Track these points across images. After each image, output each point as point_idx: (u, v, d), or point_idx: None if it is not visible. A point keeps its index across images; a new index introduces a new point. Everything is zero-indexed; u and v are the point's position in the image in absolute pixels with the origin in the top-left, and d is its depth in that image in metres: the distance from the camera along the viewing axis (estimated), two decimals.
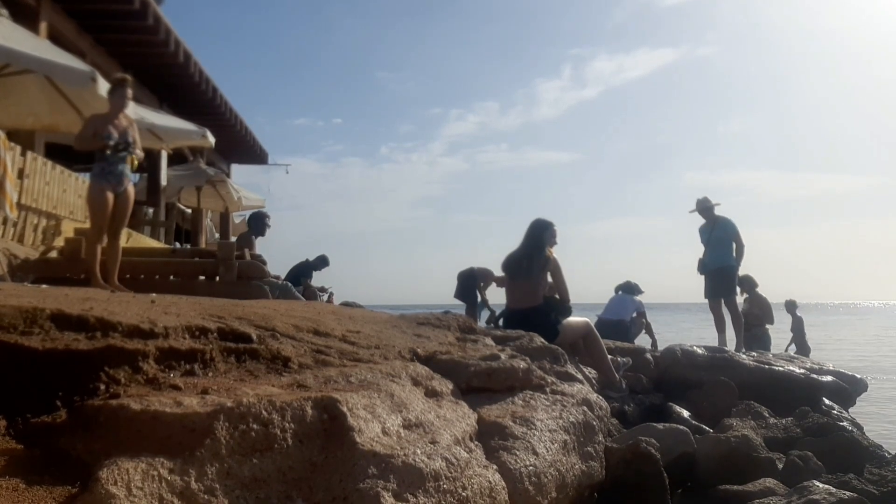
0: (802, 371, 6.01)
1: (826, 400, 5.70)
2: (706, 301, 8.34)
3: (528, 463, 2.30)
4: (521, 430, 2.46)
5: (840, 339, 20.02)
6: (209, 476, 1.56)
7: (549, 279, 5.37)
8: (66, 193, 8.18)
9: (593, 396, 3.21)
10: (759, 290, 9.84)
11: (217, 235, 14.69)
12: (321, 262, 10.40)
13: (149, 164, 11.16)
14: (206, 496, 1.53)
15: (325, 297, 11.04)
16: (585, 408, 2.97)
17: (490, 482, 2.08)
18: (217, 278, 6.22)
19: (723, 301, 8.13)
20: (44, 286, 4.09)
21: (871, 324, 32.31)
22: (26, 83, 6.85)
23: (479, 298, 9.60)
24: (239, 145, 16.13)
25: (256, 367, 2.28)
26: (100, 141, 5.22)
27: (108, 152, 5.24)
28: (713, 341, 7.71)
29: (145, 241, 9.84)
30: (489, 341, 3.70)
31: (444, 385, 2.62)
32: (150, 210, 11.95)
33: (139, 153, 5.51)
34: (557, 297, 5.35)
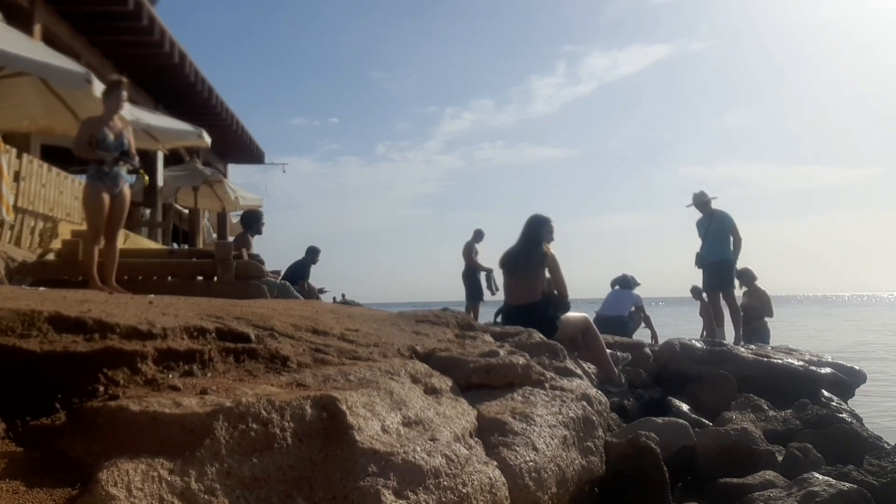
0: (801, 363, 6.03)
1: (825, 392, 5.72)
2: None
3: (528, 459, 2.30)
4: (521, 425, 2.46)
5: (838, 331, 20.05)
6: (209, 476, 1.56)
7: (548, 275, 5.37)
8: (62, 195, 8.16)
9: (593, 391, 3.21)
10: (758, 283, 9.86)
11: (214, 235, 14.69)
12: (312, 253, 10.15)
13: (145, 166, 11.15)
14: (206, 496, 1.53)
15: (337, 298, 11.04)
16: (585, 403, 2.97)
17: (490, 478, 2.08)
18: (215, 278, 6.22)
19: (721, 294, 8.15)
20: (41, 288, 4.09)
21: (870, 316, 32.35)
22: (21, 85, 6.84)
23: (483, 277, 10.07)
24: (235, 145, 16.11)
25: (255, 367, 2.28)
26: (96, 151, 5.21)
27: (106, 168, 5.25)
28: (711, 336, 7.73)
29: (143, 242, 9.84)
30: (488, 338, 3.70)
31: (444, 382, 2.62)
32: (147, 211, 11.94)
33: (137, 159, 5.51)
34: (556, 292, 5.36)
